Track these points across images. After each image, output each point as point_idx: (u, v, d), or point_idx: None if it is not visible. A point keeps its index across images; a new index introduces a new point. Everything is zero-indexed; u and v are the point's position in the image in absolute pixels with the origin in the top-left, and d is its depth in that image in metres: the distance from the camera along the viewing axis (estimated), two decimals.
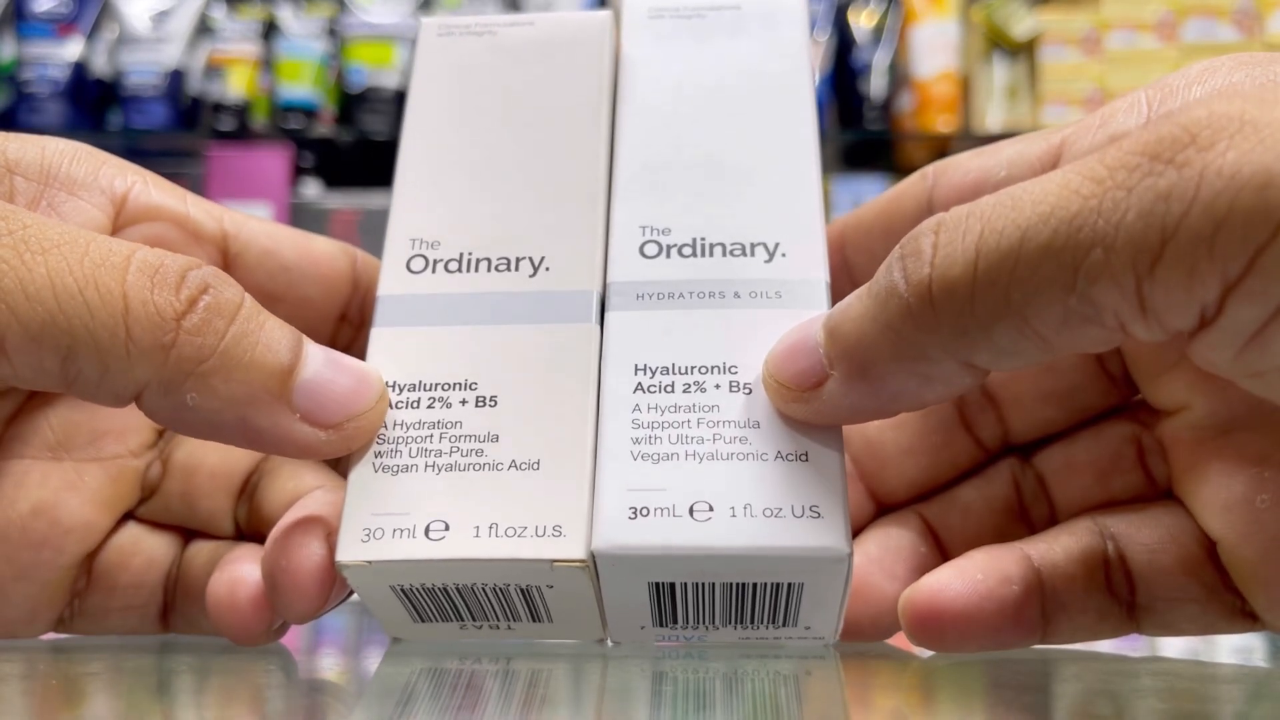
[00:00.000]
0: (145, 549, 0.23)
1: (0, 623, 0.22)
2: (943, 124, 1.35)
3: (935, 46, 1.36)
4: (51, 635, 0.23)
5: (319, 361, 0.20)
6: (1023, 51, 1.37)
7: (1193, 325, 0.16)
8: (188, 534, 0.24)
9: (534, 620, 0.21)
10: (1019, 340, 0.17)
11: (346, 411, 0.20)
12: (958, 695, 0.22)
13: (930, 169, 0.23)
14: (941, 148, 1.38)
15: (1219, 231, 0.14)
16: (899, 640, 0.22)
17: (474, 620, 0.21)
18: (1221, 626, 0.20)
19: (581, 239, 0.22)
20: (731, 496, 0.19)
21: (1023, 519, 0.23)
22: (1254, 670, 0.25)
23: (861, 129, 1.37)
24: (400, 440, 0.20)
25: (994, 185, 0.22)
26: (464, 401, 0.21)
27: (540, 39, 0.25)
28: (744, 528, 0.19)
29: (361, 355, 0.22)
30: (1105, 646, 0.25)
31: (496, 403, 0.21)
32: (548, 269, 0.22)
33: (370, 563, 0.19)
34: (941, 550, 0.23)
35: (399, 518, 0.20)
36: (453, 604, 0.20)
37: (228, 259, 0.23)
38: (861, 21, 1.39)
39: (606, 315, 0.21)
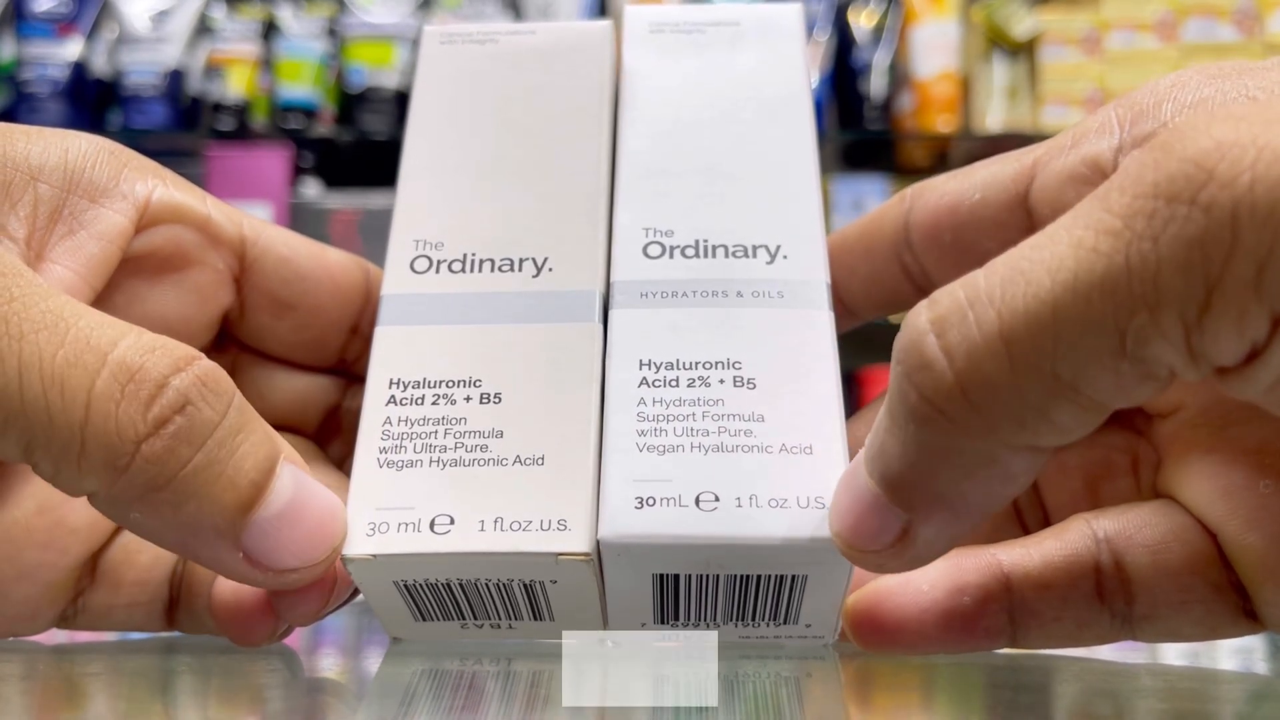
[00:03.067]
0: (151, 546, 0.23)
1: (0, 620, 0.22)
2: (943, 124, 1.34)
3: (935, 46, 1.36)
4: (53, 633, 0.23)
5: (284, 498, 0.18)
6: (1023, 51, 1.37)
7: (1242, 359, 0.15)
8: None
9: (535, 618, 0.21)
10: (1079, 414, 0.16)
11: (295, 560, 0.19)
12: (958, 695, 0.22)
13: (908, 191, 0.23)
14: (941, 148, 1.38)
15: (1263, 271, 0.14)
16: None
17: (475, 618, 0.21)
18: (1224, 630, 0.20)
19: (584, 240, 0.23)
20: (737, 487, 0.19)
21: (1018, 523, 0.23)
22: (1254, 670, 0.25)
23: (861, 129, 1.37)
24: (405, 436, 0.20)
25: (968, 209, 0.22)
26: (468, 398, 0.21)
27: (541, 47, 0.26)
28: (749, 518, 0.19)
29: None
30: (1105, 647, 0.25)
31: (500, 399, 0.21)
32: (550, 269, 0.22)
33: (375, 556, 0.19)
34: None
35: (404, 512, 0.20)
36: (455, 601, 0.20)
37: (245, 263, 0.24)
38: (861, 21, 1.39)
39: (611, 312, 0.22)
